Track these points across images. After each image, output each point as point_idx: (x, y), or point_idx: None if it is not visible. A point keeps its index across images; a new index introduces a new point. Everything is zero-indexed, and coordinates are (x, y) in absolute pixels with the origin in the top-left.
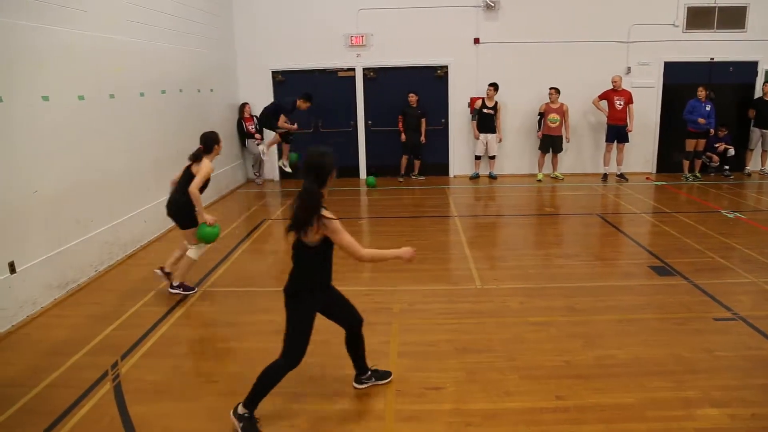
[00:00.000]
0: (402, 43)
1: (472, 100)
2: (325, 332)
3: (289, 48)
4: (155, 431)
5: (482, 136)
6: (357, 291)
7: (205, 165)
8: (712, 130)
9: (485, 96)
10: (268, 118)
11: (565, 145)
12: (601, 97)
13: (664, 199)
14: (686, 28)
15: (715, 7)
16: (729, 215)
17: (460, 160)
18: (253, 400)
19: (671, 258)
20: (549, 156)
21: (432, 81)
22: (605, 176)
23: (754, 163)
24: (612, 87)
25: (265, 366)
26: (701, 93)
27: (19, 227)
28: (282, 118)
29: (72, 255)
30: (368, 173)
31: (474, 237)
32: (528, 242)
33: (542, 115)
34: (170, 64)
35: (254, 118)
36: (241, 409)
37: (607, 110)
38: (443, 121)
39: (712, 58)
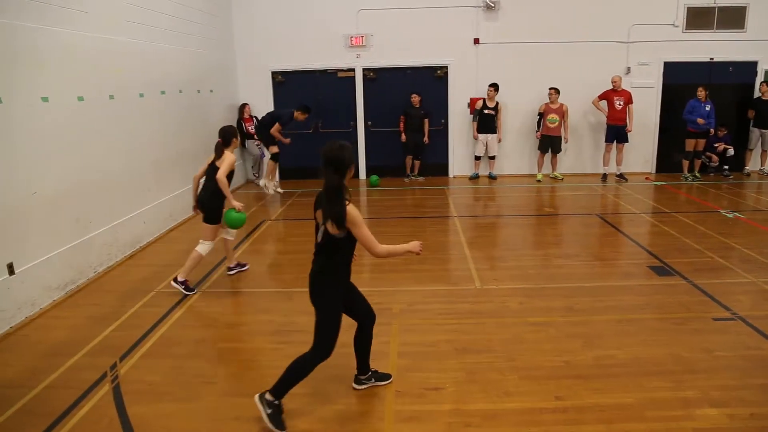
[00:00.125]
0: (402, 43)
1: (472, 101)
2: None
3: (288, 48)
4: None
5: (482, 136)
6: None
7: (228, 156)
8: (711, 130)
9: (486, 96)
10: (265, 129)
11: (564, 145)
12: (601, 97)
13: (664, 199)
14: (686, 28)
15: (714, 7)
16: (728, 215)
17: (459, 161)
18: (281, 389)
19: (670, 258)
20: (548, 156)
21: (432, 81)
22: (605, 176)
23: (753, 163)
24: (612, 87)
25: (295, 358)
26: (701, 93)
27: (18, 228)
28: (277, 126)
29: (71, 256)
30: (368, 174)
31: (474, 237)
32: (527, 242)
33: (542, 115)
34: (170, 64)
35: (254, 118)
36: (269, 396)
37: (607, 110)
38: (443, 121)
39: (712, 58)
